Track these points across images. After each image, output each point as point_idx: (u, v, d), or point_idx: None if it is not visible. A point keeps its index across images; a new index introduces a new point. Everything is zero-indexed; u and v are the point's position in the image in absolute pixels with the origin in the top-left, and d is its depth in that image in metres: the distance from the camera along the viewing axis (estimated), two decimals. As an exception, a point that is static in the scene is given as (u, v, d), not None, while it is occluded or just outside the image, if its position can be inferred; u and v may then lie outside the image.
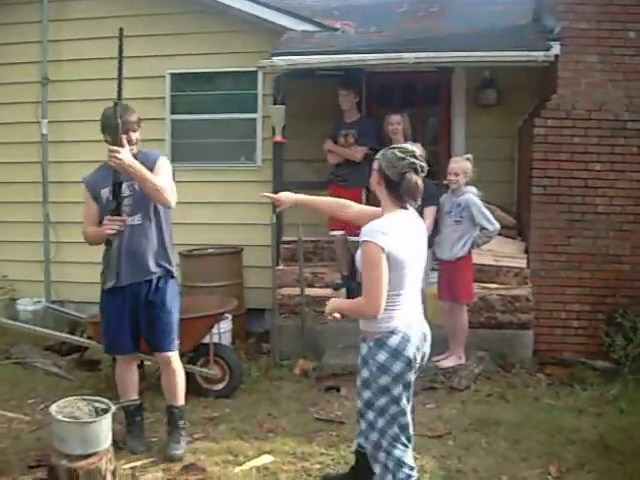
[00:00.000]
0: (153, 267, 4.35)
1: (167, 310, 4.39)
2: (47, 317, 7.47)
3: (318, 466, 4.29)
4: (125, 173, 4.12)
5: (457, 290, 6.00)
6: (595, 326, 6.62)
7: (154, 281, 4.37)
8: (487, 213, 5.88)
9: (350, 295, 6.93)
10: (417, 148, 3.43)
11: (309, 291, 6.85)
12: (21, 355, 6.54)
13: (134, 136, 4.35)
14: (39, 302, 7.98)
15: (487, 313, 6.54)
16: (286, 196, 3.84)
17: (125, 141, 4.15)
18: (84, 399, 3.61)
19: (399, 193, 3.28)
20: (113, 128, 4.10)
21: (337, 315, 3.40)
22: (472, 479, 4.12)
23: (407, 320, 3.30)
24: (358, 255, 3.36)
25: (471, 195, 5.90)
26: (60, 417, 3.39)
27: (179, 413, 4.51)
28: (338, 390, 5.75)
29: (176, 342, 4.47)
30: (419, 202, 3.38)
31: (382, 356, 3.24)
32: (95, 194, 4.35)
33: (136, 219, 4.31)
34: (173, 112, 8.13)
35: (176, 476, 4.12)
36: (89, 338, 5.76)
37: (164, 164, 4.38)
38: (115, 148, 4.03)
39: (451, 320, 6.07)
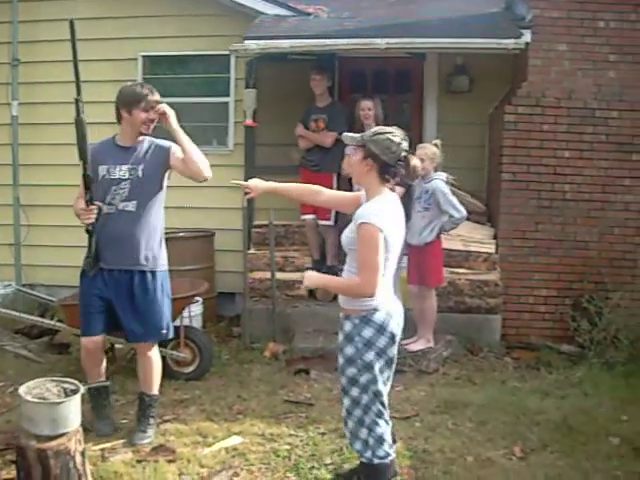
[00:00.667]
0: (142, 259, 4.30)
1: (152, 301, 4.34)
2: (17, 300, 7.40)
3: (287, 447, 4.34)
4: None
5: (425, 274, 6.07)
6: (562, 311, 6.73)
7: (139, 274, 4.30)
8: (453, 200, 5.94)
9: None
10: (400, 131, 3.47)
11: (280, 275, 6.89)
12: (-10, 338, 6.51)
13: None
14: (9, 285, 7.89)
15: (456, 297, 6.62)
16: (255, 184, 3.81)
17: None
18: (53, 380, 3.61)
19: (394, 177, 3.37)
20: (78, 123, 4.10)
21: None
22: (438, 459, 4.19)
23: (388, 297, 3.40)
24: (346, 237, 3.43)
25: (439, 182, 5.95)
26: (29, 398, 3.39)
27: (150, 401, 4.49)
28: (308, 373, 5.79)
29: (163, 332, 4.44)
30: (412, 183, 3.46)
31: (368, 332, 3.31)
32: (93, 167, 4.21)
33: (130, 205, 4.25)
34: (147, 95, 8.07)
35: (146, 457, 4.14)
36: (60, 321, 5.74)
37: (178, 150, 4.34)
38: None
39: (420, 304, 6.14)
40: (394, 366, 3.51)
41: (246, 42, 6.72)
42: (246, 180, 7.10)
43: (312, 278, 3.51)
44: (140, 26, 7.99)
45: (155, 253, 4.37)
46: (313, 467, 4.06)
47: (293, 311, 6.74)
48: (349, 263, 3.47)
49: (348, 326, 3.39)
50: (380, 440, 3.40)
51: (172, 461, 4.10)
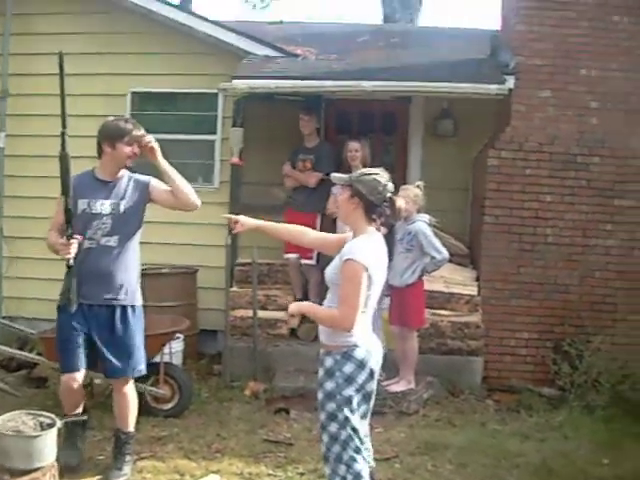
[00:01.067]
0: (123, 293, 4.28)
1: (132, 336, 4.31)
2: (-3, 333, 7.35)
3: (264, 487, 4.31)
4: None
5: (407, 315, 6.07)
6: (543, 354, 6.74)
7: (120, 308, 4.29)
8: (435, 242, 5.97)
9: (302, 319, 6.97)
10: (384, 173, 3.54)
11: (262, 313, 6.85)
12: (-33, 371, 6.43)
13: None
14: (-11, 318, 7.86)
15: (437, 339, 6.62)
16: (244, 220, 3.82)
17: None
18: (29, 413, 3.58)
19: (380, 217, 3.43)
20: (62, 157, 4.09)
21: (294, 321, 3.51)
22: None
23: (367, 334, 3.44)
24: (330, 272, 3.48)
25: (421, 224, 5.99)
26: (4, 431, 3.36)
27: (126, 439, 4.41)
28: (288, 412, 5.74)
29: (139, 368, 4.38)
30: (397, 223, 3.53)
31: (349, 368, 3.34)
32: (73, 200, 4.16)
33: (112, 241, 4.23)
34: (133, 131, 8.12)
35: (121, 494, 4.09)
36: (39, 354, 5.70)
37: (159, 183, 4.38)
38: None
39: (401, 345, 6.13)
40: (372, 402, 3.51)
41: (234, 81, 6.80)
42: (231, 218, 7.17)
43: (298, 305, 3.67)
44: (130, 63, 8.05)
45: (134, 287, 4.38)
46: (291, 508, 4.02)
47: (274, 350, 6.71)
48: (330, 298, 3.51)
49: (329, 362, 3.40)
50: (358, 477, 3.38)
51: (148, 499, 4.06)
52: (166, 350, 5.60)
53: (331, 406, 3.38)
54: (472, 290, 6.90)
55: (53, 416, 3.58)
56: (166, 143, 8.00)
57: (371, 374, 3.40)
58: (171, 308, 6.88)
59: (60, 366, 4.43)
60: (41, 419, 3.53)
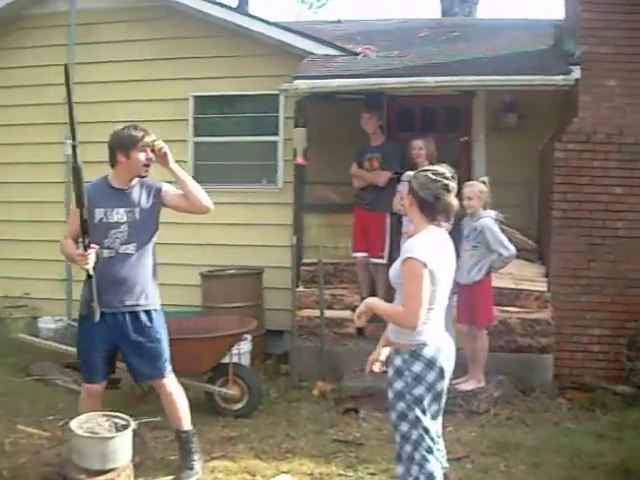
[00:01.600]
0: (143, 299, 4.29)
1: (156, 339, 4.30)
2: (67, 335, 7.52)
3: (335, 487, 4.29)
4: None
5: (475, 313, 5.99)
6: (616, 350, 6.57)
7: (142, 313, 4.29)
8: (502, 238, 5.86)
9: (371, 317, 6.94)
10: (446, 169, 3.49)
11: (328, 313, 6.86)
12: (41, 372, 6.60)
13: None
14: (60, 320, 8.04)
15: (507, 337, 6.51)
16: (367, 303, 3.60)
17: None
18: (104, 415, 3.65)
19: (433, 213, 3.41)
20: (75, 170, 4.02)
21: (362, 320, 3.49)
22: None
23: (438, 332, 3.41)
24: (393, 272, 3.48)
25: (487, 220, 5.89)
26: (80, 432, 3.43)
27: (187, 437, 4.42)
28: (357, 412, 5.74)
29: (167, 366, 4.37)
30: (452, 221, 3.49)
31: (417, 367, 3.32)
32: (89, 210, 4.08)
33: (130, 248, 4.23)
34: (196, 134, 8.24)
35: (194, 495, 4.14)
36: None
37: (170, 188, 4.39)
38: None
39: (470, 343, 6.05)
40: (443, 402, 3.47)
41: (295, 82, 6.81)
42: (295, 217, 7.21)
43: (366, 302, 3.57)
44: (192, 67, 8.16)
45: (153, 291, 4.38)
46: (362, 508, 4.00)
47: (342, 349, 6.70)
48: (397, 298, 3.49)
49: (398, 361, 3.39)
50: (430, 477, 3.35)
51: (220, 499, 4.09)
52: (235, 351, 5.65)
53: (401, 405, 3.37)
54: (541, 286, 6.76)
55: (128, 417, 3.63)
56: (229, 145, 8.23)
57: (441, 373, 3.36)
58: (238, 309, 6.95)
59: (81, 375, 4.50)
60: (116, 420, 3.60)
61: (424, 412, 3.35)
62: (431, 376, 3.33)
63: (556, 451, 4.87)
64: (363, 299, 6.90)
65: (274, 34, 7.76)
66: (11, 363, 7.04)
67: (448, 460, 4.42)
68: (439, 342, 3.39)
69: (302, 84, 6.77)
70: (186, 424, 4.43)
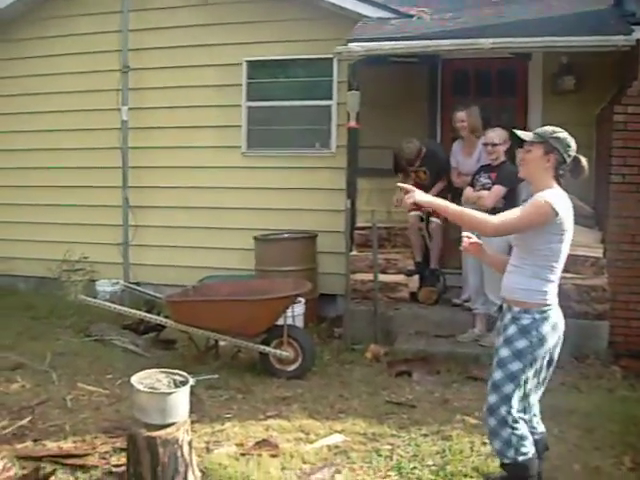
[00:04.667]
0: None
1: None
2: (124, 298, 7.69)
3: (388, 447, 4.32)
4: None
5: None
6: (673, 318, 6.45)
7: None
8: None
9: (423, 282, 6.94)
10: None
11: (382, 277, 6.86)
12: (100, 333, 6.79)
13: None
14: (117, 283, 8.21)
15: (562, 303, 6.40)
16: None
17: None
18: (163, 372, 3.73)
19: (563, 174, 3.39)
20: None
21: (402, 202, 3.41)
22: (544, 467, 4.09)
23: (556, 295, 3.40)
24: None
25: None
26: (141, 387, 3.51)
27: None
28: (410, 375, 5.77)
29: None
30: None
31: (546, 328, 3.29)
32: None
33: None
34: (249, 99, 8.26)
35: (249, 451, 4.20)
36: (166, 317, 5.93)
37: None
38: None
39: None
40: (551, 369, 3.46)
41: (350, 45, 6.75)
42: (348, 181, 7.18)
43: (422, 195, 3.41)
44: (243, 32, 8.18)
45: None
46: (415, 467, 4.03)
47: (395, 313, 6.72)
48: (513, 257, 3.46)
49: (526, 319, 3.31)
50: (523, 437, 3.35)
51: (275, 456, 4.15)
52: (289, 313, 5.71)
53: (516, 365, 3.31)
54: (598, 252, 6.64)
55: (186, 374, 3.71)
56: (281, 110, 8.24)
57: (559, 338, 3.36)
58: (292, 272, 7.00)
59: None
60: (175, 377, 3.67)
61: (534, 375, 3.35)
62: (553, 340, 3.31)
63: (610, 418, 4.82)
64: (417, 264, 6.96)
65: (329, -3, 7.70)
66: (70, 324, 7.28)
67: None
68: (558, 307, 3.38)
69: (356, 47, 6.71)
70: None
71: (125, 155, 8.52)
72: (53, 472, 3.84)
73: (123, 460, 3.81)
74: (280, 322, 5.62)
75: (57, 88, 8.88)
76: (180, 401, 3.54)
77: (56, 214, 8.95)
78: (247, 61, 8.24)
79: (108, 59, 8.60)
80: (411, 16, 7.70)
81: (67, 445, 4.25)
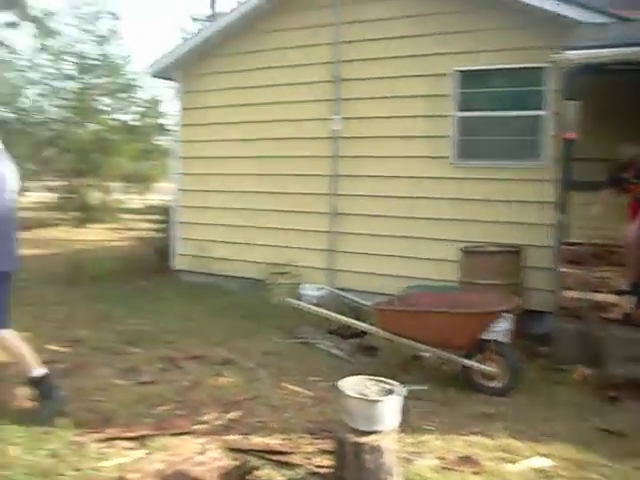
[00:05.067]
0: None
1: None
2: (328, 303, 7.88)
3: (598, 477, 4.11)
4: None
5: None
6: None
7: None
8: None
9: (638, 303, 6.54)
10: None
11: (594, 296, 6.54)
12: (306, 336, 7.04)
13: None
14: (322, 288, 8.45)
15: None
16: None
17: None
18: (371, 379, 3.79)
19: None
20: None
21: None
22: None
23: None
24: None
25: None
26: (350, 393, 3.59)
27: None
28: (620, 401, 5.46)
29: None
30: None
31: None
32: None
33: None
34: (459, 109, 8.21)
35: (451, 465, 4.17)
36: (371, 324, 6.01)
37: None
38: None
39: None
40: None
41: (566, 53, 6.49)
42: (559, 194, 6.92)
43: None
44: (452, 42, 8.16)
45: None
46: (629, 502, 3.82)
47: (606, 335, 6.38)
48: None
49: None
50: None
51: (477, 473, 4.08)
52: (497, 328, 5.60)
53: None
54: None
55: (397, 384, 3.74)
56: (489, 120, 8.09)
57: None
58: (497, 286, 6.86)
59: None
60: (384, 385, 3.72)
61: None
62: None
63: None
64: (633, 283, 6.55)
65: (540, 4, 7.47)
66: (276, 326, 7.57)
67: None
68: None
69: (573, 55, 6.41)
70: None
71: (335, 164, 8.77)
72: (260, 466, 4.01)
73: (326, 462, 3.92)
74: (486, 337, 5.52)
75: (273, 99, 9.36)
76: (388, 409, 3.58)
77: (269, 218, 9.41)
78: (457, 70, 8.19)
79: (319, 71, 8.90)
80: (631, 20, 7.27)
81: (273, 442, 4.41)
